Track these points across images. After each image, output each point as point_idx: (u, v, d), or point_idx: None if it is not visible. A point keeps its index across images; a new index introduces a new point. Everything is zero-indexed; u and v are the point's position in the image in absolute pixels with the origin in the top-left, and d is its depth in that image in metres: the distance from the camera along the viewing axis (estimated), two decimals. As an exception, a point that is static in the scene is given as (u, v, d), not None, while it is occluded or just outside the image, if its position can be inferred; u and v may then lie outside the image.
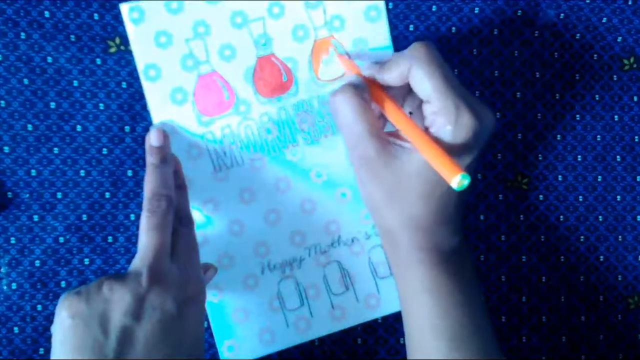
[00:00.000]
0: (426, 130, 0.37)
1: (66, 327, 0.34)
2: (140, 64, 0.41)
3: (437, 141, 0.35)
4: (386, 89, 0.39)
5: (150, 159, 0.40)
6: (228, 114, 0.43)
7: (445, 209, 0.37)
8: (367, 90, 0.38)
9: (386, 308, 0.45)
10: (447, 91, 0.35)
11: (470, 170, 0.36)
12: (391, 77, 0.37)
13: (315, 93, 0.43)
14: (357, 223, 0.44)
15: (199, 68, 0.42)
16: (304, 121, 0.43)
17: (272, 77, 0.43)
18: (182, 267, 0.37)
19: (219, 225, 0.43)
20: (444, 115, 0.35)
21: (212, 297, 0.43)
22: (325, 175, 0.44)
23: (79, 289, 0.35)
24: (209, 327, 0.43)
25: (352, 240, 0.44)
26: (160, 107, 0.42)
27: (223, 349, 0.44)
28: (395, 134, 0.38)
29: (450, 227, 0.38)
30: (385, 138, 0.37)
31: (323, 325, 0.44)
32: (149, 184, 0.39)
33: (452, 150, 0.35)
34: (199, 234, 0.41)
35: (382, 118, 0.41)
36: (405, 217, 0.37)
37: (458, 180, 0.33)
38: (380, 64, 0.38)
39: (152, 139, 0.40)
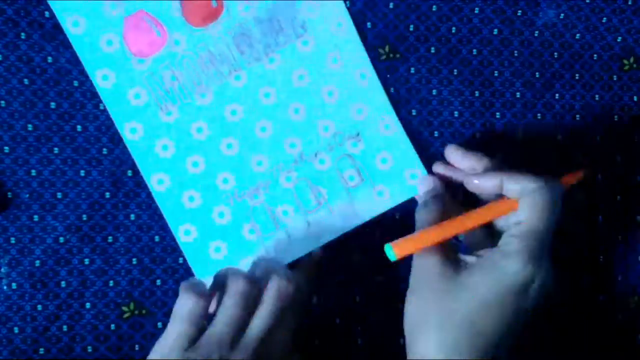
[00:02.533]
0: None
1: None
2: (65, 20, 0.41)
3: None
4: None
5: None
6: (164, 50, 0.42)
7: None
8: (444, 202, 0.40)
9: (362, 216, 0.44)
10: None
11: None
12: (487, 188, 0.38)
13: (250, 14, 0.42)
14: (317, 136, 0.43)
15: (123, 9, 0.41)
16: (242, 44, 0.42)
17: (201, 5, 0.42)
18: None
19: (178, 166, 0.43)
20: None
21: (186, 238, 0.43)
22: (274, 94, 0.43)
23: None
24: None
25: (315, 155, 0.43)
26: (94, 60, 0.41)
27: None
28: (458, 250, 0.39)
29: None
30: (453, 257, 0.37)
31: (302, 245, 0.43)
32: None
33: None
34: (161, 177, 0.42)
35: None
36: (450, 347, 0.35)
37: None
38: (485, 176, 0.38)
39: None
